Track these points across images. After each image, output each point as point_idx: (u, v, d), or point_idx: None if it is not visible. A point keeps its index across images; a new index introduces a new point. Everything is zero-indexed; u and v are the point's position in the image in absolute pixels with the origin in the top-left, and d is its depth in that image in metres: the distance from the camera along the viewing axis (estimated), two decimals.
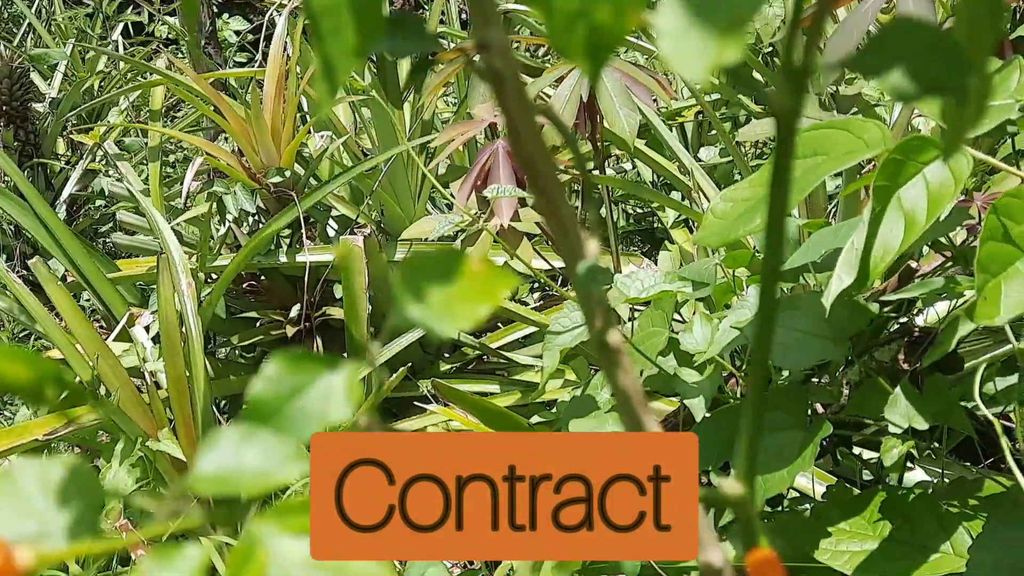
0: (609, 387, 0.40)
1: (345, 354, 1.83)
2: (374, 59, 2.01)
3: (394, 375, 1.54)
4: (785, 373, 1.19)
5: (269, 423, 0.31)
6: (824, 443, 1.32)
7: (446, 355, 2.12)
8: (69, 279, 1.94)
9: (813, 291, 1.10)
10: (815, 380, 1.20)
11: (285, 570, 0.30)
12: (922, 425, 0.98)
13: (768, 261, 0.35)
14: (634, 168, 2.92)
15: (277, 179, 1.71)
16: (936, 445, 1.42)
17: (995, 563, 0.88)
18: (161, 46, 3.64)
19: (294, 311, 1.86)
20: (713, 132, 2.74)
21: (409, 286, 0.30)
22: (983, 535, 0.89)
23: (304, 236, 1.72)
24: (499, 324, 2.17)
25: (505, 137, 1.34)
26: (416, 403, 1.77)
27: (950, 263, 1.07)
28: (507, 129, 0.32)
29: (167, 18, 3.96)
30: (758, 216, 0.90)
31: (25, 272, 2.33)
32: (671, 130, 2.19)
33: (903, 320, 1.20)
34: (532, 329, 2.08)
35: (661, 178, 2.93)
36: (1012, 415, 0.97)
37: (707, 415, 1.23)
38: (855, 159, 0.83)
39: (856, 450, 1.33)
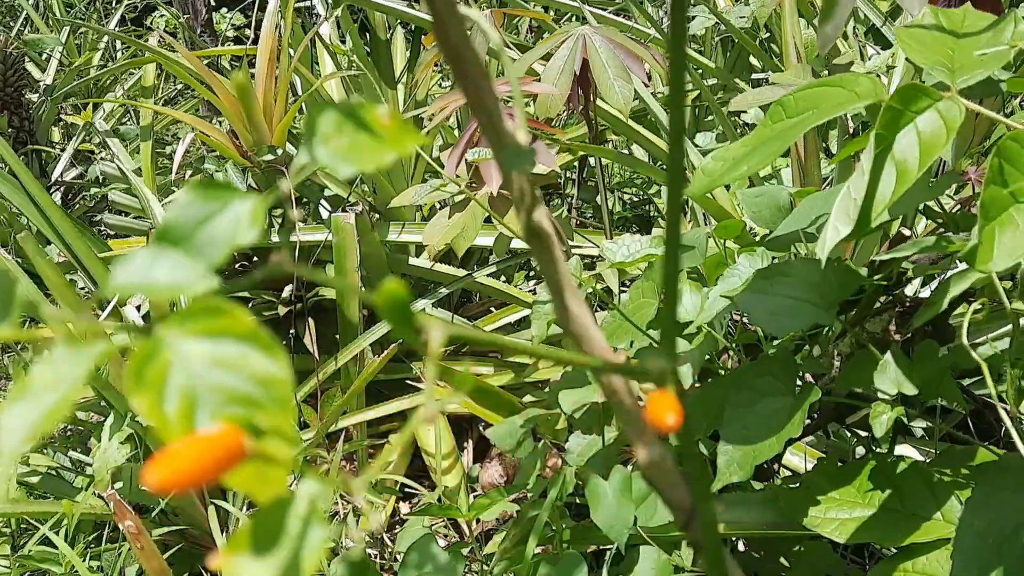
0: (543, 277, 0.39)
1: (338, 335, 1.82)
2: (367, 38, 2.00)
3: (384, 352, 1.53)
4: (777, 342, 1.18)
5: (180, 247, 0.32)
6: (815, 417, 1.31)
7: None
8: (61, 259, 1.93)
9: (803, 258, 1.09)
10: (807, 350, 1.19)
11: (189, 370, 0.31)
12: (911, 390, 0.97)
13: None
14: (630, 154, 2.91)
15: (268, 157, 1.70)
16: (928, 424, 1.41)
17: (984, 528, 0.87)
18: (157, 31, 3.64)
19: (286, 291, 1.85)
20: (710, 118, 2.73)
21: (317, 130, 0.31)
22: (972, 500, 0.88)
23: (295, 215, 1.71)
24: (492, 308, 2.16)
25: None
26: (408, 382, 1.77)
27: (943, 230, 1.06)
28: (433, 21, 0.31)
29: (165, 7, 3.95)
30: (744, 166, 0.89)
31: (20, 260, 2.33)
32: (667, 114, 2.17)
33: (895, 291, 1.19)
34: (526, 312, 2.07)
35: (658, 163, 2.93)
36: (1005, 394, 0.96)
37: (696, 385, 1.22)
38: (845, 110, 0.82)
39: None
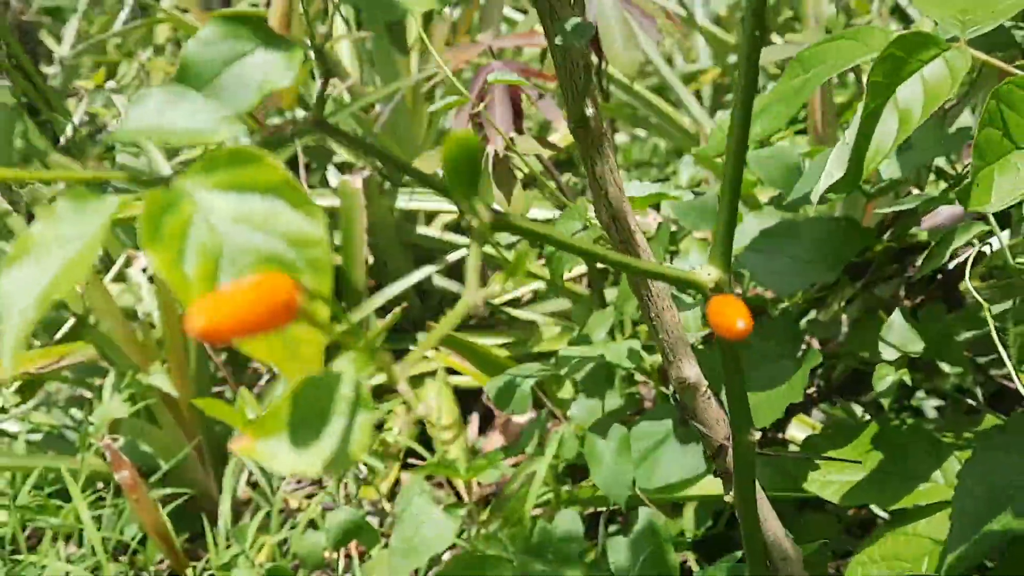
0: (587, 175, 0.37)
1: (343, 303, 1.81)
2: None
3: (389, 316, 1.52)
4: (782, 306, 1.16)
5: (202, 88, 0.29)
6: (821, 385, 1.29)
7: (447, 310, 2.09)
8: None
9: (809, 218, 1.07)
10: (814, 314, 1.18)
11: (210, 223, 0.27)
12: (916, 349, 0.95)
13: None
14: (648, 138, 2.89)
15: (276, 120, 1.69)
16: (940, 403, 1.38)
17: (983, 490, 0.85)
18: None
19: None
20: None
21: None
22: (971, 460, 0.86)
23: (303, 180, 1.70)
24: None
25: (504, 60, 1.31)
26: (412, 348, 1.75)
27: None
28: None
29: None
30: (759, 125, 0.87)
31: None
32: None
33: (905, 258, 1.17)
34: (537, 285, 2.05)
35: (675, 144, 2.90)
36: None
37: (700, 347, 1.21)
38: (857, 61, 0.81)
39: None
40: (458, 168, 0.29)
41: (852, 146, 0.73)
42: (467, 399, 1.96)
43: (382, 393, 1.84)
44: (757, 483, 0.46)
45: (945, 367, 1.16)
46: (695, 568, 1.16)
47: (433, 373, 1.83)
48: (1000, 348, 0.75)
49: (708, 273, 0.35)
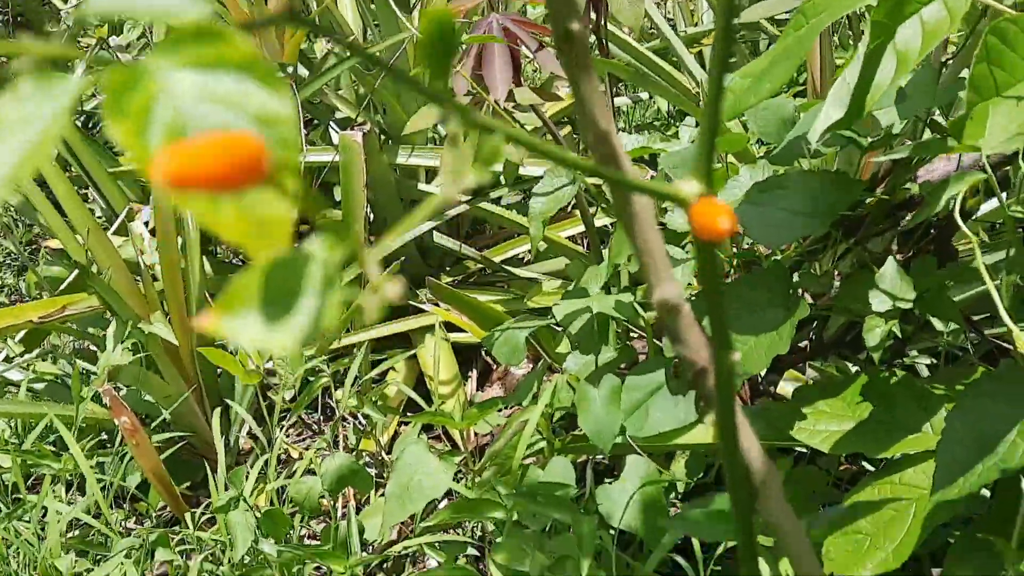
0: (570, 90, 0.38)
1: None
2: None
3: (387, 269, 1.53)
4: (775, 259, 1.17)
5: None
6: (813, 339, 1.30)
7: (447, 268, 2.10)
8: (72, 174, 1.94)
9: (802, 171, 1.08)
10: (807, 267, 1.18)
11: (175, 102, 0.28)
12: (907, 299, 0.96)
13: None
14: (651, 99, 2.88)
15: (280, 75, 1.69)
16: (933, 361, 1.39)
17: (969, 436, 0.86)
18: None
19: (293, 213, 1.85)
20: (734, 59, 2.69)
21: None
22: (960, 407, 0.87)
23: (304, 134, 1.71)
24: (499, 239, 2.15)
25: (503, 13, 1.31)
26: (413, 304, 1.77)
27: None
28: None
29: None
30: (767, 82, 0.87)
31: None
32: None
33: (898, 212, 1.18)
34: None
35: (676, 107, 2.90)
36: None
37: (692, 297, 1.22)
38: (858, 5, 0.81)
39: None
40: (434, 46, 0.30)
41: (854, 84, 0.74)
42: (467, 356, 1.98)
43: (383, 348, 1.86)
44: (739, 410, 0.47)
45: (938, 325, 1.17)
46: None
47: (433, 328, 1.85)
48: (992, 289, 0.76)
49: (689, 187, 0.36)
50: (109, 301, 1.46)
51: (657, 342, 1.23)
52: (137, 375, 1.44)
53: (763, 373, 1.33)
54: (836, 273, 1.21)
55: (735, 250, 1.22)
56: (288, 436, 1.88)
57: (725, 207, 0.34)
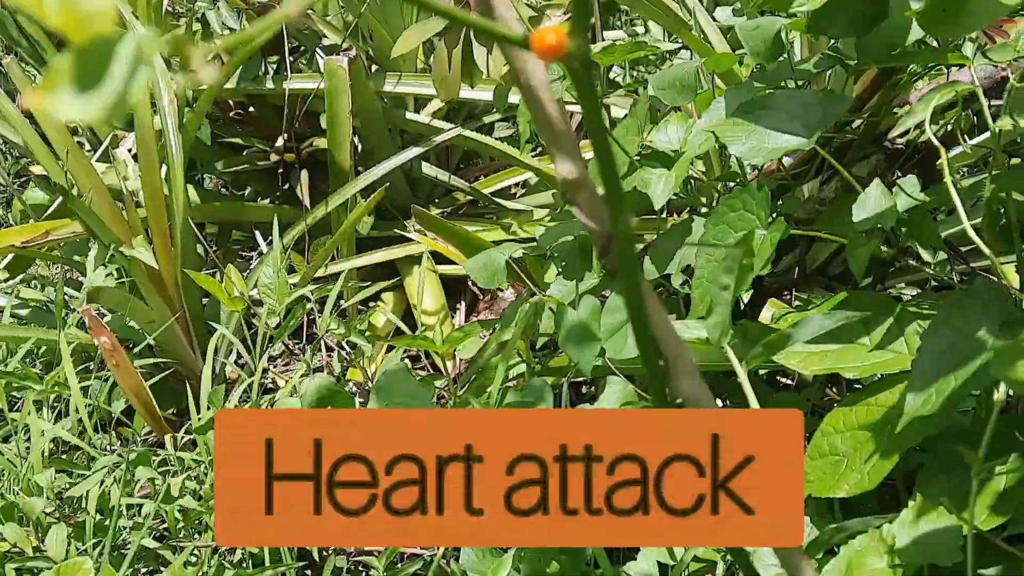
0: None
1: (329, 183, 1.81)
2: None
3: (373, 195, 1.52)
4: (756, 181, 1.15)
5: None
6: (798, 269, 1.29)
7: (436, 200, 2.09)
8: None
9: (787, 90, 1.06)
10: (792, 191, 1.17)
11: None
12: (890, 221, 0.95)
13: None
14: (647, 32, 2.84)
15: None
16: (920, 292, 1.39)
17: (944, 350, 0.86)
18: None
19: (280, 141, 1.83)
20: None
21: None
22: (936, 322, 0.86)
23: (288, 61, 1.68)
24: (488, 171, 2.14)
25: None
26: (400, 234, 1.76)
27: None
28: None
29: None
30: None
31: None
32: None
33: (884, 137, 1.16)
34: (527, 175, 2.04)
35: (672, 36, 2.86)
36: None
37: (676, 219, 1.21)
38: None
39: None
40: None
41: None
42: (455, 288, 1.97)
43: (372, 280, 1.85)
44: (645, 282, 0.46)
45: (925, 255, 1.17)
46: None
47: (420, 260, 1.84)
48: (960, 210, 0.75)
49: (551, 34, 0.35)
50: (90, 224, 1.45)
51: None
52: (120, 299, 1.43)
53: (745, 299, 1.32)
54: (820, 199, 1.20)
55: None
56: (275, 367, 1.88)
57: (556, 28, 0.34)
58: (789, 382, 1.36)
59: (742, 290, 1.00)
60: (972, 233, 0.77)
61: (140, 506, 1.25)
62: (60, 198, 1.73)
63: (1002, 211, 0.90)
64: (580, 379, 1.29)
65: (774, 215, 1.07)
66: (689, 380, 0.49)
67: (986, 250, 0.79)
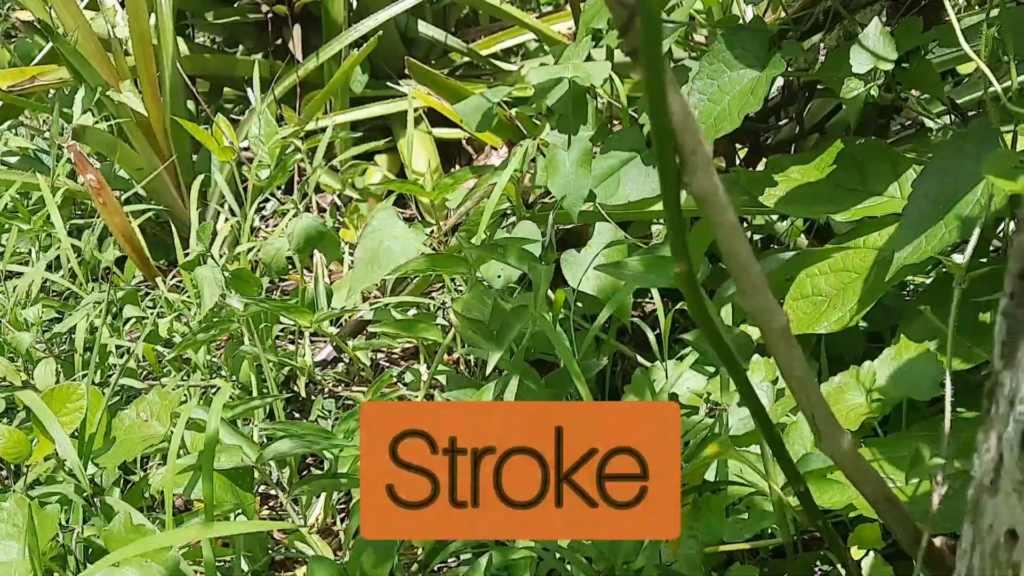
0: None
1: (322, 34, 1.77)
2: None
3: (365, 44, 1.48)
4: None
5: None
6: (798, 121, 1.27)
7: (433, 60, 2.05)
8: None
9: None
10: (794, 38, 1.14)
11: None
12: (887, 63, 0.92)
13: None
14: None
15: None
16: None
17: (935, 193, 0.85)
18: None
19: None
20: None
21: None
22: (927, 166, 0.85)
23: None
24: (487, 32, 2.09)
25: None
26: (389, 84, 1.73)
27: None
28: None
29: None
30: None
31: None
32: None
33: None
34: (526, 37, 2.00)
35: None
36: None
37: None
38: None
39: None
40: None
41: None
42: (450, 152, 1.95)
43: (367, 140, 1.83)
44: (667, 67, 0.45)
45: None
46: (655, 294, 1.16)
47: (415, 121, 1.81)
48: (965, 47, 0.72)
49: None
50: (77, 67, 1.42)
51: (633, 112, 1.21)
52: (107, 142, 1.41)
53: (742, 155, 1.31)
54: (823, 47, 1.17)
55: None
56: (267, 227, 1.87)
57: None
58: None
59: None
60: (971, 53, 0.74)
61: (129, 349, 1.26)
62: (48, 46, 1.69)
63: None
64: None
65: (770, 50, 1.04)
66: (704, 175, 0.47)
67: (987, 71, 0.77)
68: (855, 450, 0.51)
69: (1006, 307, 0.40)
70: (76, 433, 0.89)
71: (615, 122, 1.41)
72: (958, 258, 0.73)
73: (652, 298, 1.22)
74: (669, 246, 0.48)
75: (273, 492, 1.16)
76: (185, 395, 1.20)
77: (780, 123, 1.30)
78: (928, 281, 1.09)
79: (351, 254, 1.60)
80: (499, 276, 1.05)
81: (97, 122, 1.52)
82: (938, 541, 0.58)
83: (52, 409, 0.87)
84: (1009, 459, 0.40)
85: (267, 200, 1.89)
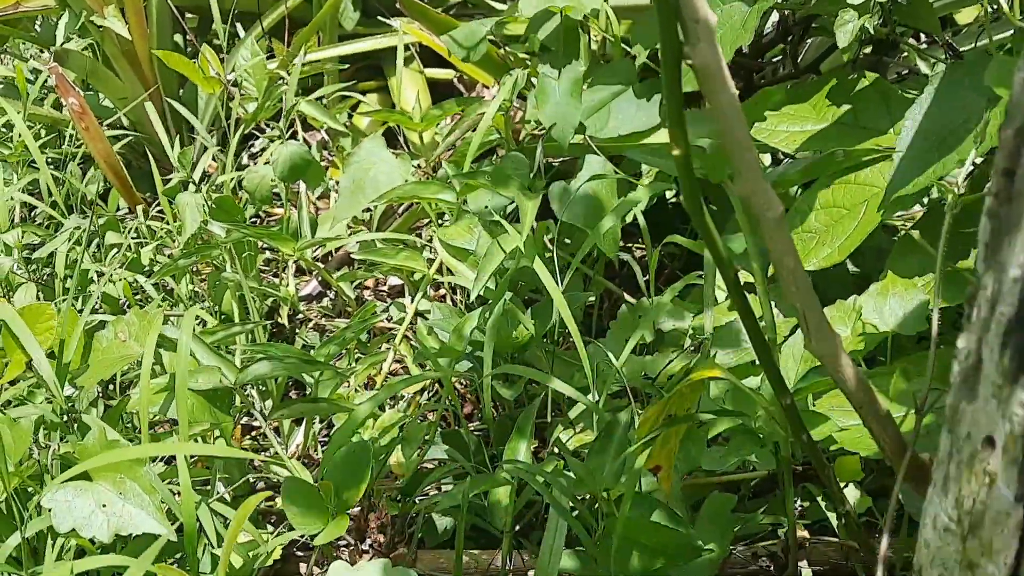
0: None
1: None
2: None
3: None
4: None
5: None
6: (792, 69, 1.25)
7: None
8: None
9: None
10: None
11: None
12: None
13: None
14: None
15: None
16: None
17: (932, 127, 0.83)
18: None
19: None
20: None
21: None
22: (920, 98, 0.84)
23: None
24: None
25: None
26: (380, 19, 1.70)
27: None
28: None
29: None
30: None
31: None
32: None
33: None
34: None
35: None
36: None
37: None
38: None
39: None
40: None
41: None
42: (443, 94, 1.92)
43: (359, 79, 1.80)
44: None
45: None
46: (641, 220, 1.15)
47: (406, 60, 1.78)
48: None
49: None
50: None
51: (625, 46, 1.18)
52: (90, 66, 1.39)
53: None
54: None
55: None
56: (254, 163, 1.85)
57: None
58: None
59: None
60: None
61: (111, 278, 1.25)
62: None
63: None
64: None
65: None
66: (707, 46, 0.46)
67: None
68: (843, 351, 0.50)
69: (990, 207, 0.39)
70: (52, 353, 0.88)
71: (607, 60, 1.39)
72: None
73: (641, 240, 1.21)
74: (668, 131, 0.46)
75: (257, 424, 1.16)
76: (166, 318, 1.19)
77: (775, 60, 1.28)
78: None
79: (338, 191, 1.59)
80: (486, 207, 1.04)
81: (84, 49, 1.50)
82: (925, 457, 0.57)
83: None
84: (989, 363, 0.40)
85: (256, 137, 1.87)
